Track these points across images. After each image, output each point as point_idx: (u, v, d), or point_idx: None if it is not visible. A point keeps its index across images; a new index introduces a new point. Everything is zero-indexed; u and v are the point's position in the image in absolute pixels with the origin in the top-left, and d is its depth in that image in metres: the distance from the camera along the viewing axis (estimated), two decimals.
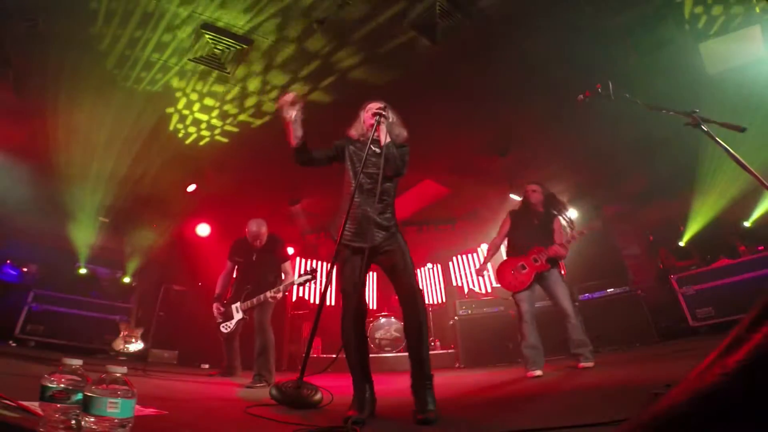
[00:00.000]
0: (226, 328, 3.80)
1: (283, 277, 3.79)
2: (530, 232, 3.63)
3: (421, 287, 2.03)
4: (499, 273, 3.63)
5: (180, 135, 5.08)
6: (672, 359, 3.11)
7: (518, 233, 3.69)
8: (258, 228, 3.84)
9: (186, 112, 4.73)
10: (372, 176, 2.11)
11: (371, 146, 2.09)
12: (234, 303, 3.79)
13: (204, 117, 4.82)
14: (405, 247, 2.07)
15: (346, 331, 1.98)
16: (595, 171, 6.25)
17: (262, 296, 3.56)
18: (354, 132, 2.32)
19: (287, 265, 3.79)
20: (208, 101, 4.58)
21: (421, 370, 1.85)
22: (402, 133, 2.28)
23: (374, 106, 2.24)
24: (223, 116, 4.83)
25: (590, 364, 3.22)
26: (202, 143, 5.26)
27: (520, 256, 3.57)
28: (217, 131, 5.09)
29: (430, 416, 1.67)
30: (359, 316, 2.02)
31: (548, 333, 3.79)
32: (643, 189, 6.68)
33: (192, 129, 5.02)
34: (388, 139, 2.12)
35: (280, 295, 3.54)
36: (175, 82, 4.27)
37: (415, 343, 1.89)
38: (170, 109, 4.68)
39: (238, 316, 3.74)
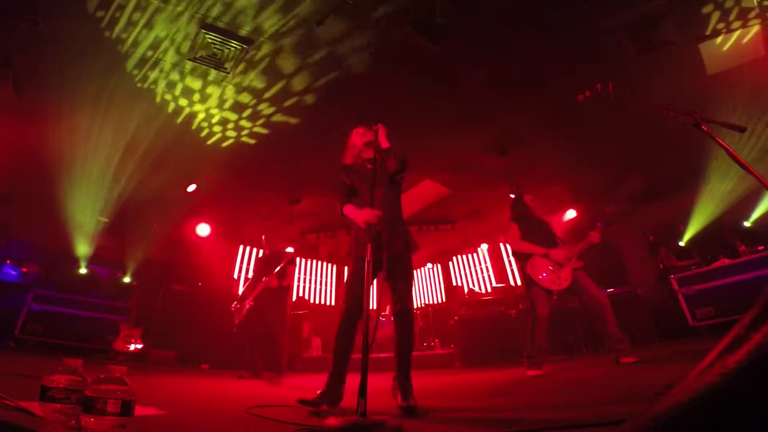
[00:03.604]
0: (239, 318, 4.64)
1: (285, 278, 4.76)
2: (541, 235, 3.67)
3: (414, 308, 2.31)
4: (538, 271, 3.49)
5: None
6: (672, 359, 3.11)
7: (532, 236, 3.65)
8: (266, 239, 5.09)
9: (185, 104, 4.72)
10: (375, 190, 2.29)
11: (367, 163, 2.44)
12: (247, 299, 4.64)
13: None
14: (409, 269, 2.34)
15: (340, 335, 2.25)
16: (595, 171, 6.25)
17: (263, 281, 4.54)
18: (349, 158, 2.59)
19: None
20: (210, 102, 4.58)
21: (406, 372, 2.18)
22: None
23: (360, 130, 2.56)
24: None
25: (635, 358, 3.07)
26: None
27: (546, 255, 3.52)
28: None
29: (413, 404, 1.97)
30: (355, 324, 2.28)
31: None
32: (643, 189, 6.68)
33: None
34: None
35: (273, 281, 4.52)
36: (181, 85, 4.27)
37: (404, 356, 2.22)
38: (185, 106, 4.67)
39: (247, 305, 4.57)
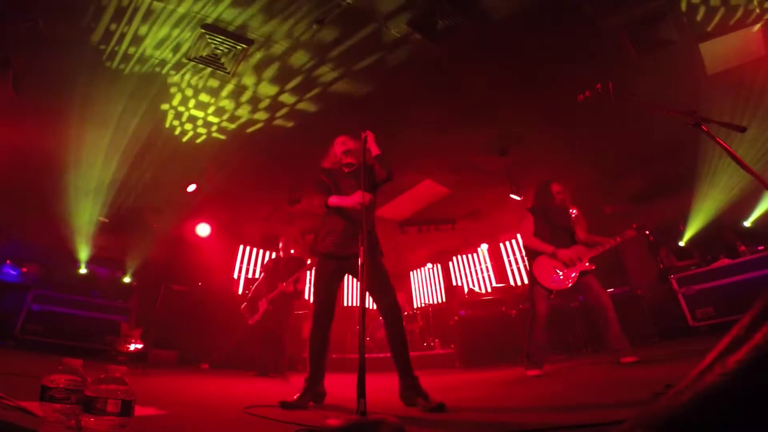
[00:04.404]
0: (252, 320, 4.77)
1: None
2: (557, 232, 3.55)
3: (398, 303, 2.31)
4: (541, 270, 3.45)
5: (176, 132, 5.04)
6: (672, 359, 3.11)
7: (546, 232, 3.55)
8: (285, 242, 5.11)
9: (182, 108, 4.68)
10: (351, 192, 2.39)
11: (343, 168, 2.57)
12: (260, 299, 4.75)
13: (200, 114, 4.79)
14: (384, 269, 2.33)
15: (315, 335, 2.32)
16: (595, 171, 6.25)
17: (279, 287, 4.63)
18: (327, 163, 2.68)
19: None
20: (203, 97, 4.55)
21: (410, 371, 2.16)
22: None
23: (341, 139, 2.66)
24: (219, 112, 4.80)
25: (635, 358, 3.04)
26: (198, 140, 5.22)
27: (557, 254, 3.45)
28: (213, 128, 5.07)
29: (438, 401, 1.93)
30: (328, 323, 2.36)
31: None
32: (643, 189, 6.68)
33: (188, 126, 4.99)
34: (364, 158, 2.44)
35: (290, 286, 4.59)
36: (175, 80, 4.27)
37: (403, 354, 2.19)
38: (165, 106, 4.63)
39: (263, 306, 4.70)
